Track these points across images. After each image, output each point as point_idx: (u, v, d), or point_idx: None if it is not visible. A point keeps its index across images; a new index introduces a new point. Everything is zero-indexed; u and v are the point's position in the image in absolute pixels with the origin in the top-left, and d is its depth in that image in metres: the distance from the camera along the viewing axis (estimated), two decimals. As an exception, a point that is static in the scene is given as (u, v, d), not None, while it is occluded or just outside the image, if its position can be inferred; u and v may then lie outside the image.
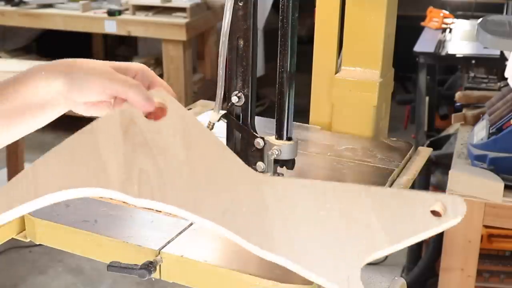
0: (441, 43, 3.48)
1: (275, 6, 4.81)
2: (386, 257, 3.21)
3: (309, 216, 0.73)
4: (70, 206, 1.16)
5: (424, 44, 3.48)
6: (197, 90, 4.77)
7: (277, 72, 1.12)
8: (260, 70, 4.05)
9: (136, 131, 0.75)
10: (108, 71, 0.86)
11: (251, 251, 0.73)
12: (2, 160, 3.50)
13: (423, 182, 2.83)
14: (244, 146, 1.17)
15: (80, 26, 4.59)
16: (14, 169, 3.42)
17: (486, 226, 2.03)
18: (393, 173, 1.34)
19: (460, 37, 3.59)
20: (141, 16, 4.43)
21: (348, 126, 1.56)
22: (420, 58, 3.34)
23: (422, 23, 3.87)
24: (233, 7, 1.09)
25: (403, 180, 1.35)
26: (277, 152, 1.13)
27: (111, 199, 1.12)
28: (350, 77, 1.55)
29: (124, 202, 1.17)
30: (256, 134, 1.16)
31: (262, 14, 4.66)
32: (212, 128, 1.17)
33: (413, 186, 2.72)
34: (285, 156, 1.14)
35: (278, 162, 1.16)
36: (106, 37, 5.38)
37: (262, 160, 1.15)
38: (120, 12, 4.50)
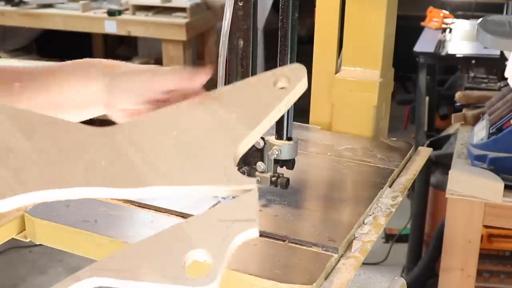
0: (441, 43, 3.48)
1: (275, 6, 4.81)
2: (386, 257, 3.22)
3: (165, 143, 0.73)
4: (70, 206, 1.16)
5: (424, 44, 3.48)
6: (197, 90, 4.76)
7: (277, 72, 1.12)
8: (260, 70, 4.04)
9: None
10: (149, 70, 0.83)
11: (131, 198, 0.73)
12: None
13: (423, 182, 2.83)
14: (244, 146, 1.17)
15: (80, 26, 4.59)
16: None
17: (486, 226, 2.03)
18: (393, 173, 1.34)
19: (460, 37, 3.59)
20: (141, 16, 4.43)
21: (348, 126, 1.56)
22: (420, 58, 3.34)
23: (422, 23, 3.87)
24: (233, 7, 1.09)
25: (403, 180, 1.35)
26: (277, 152, 1.14)
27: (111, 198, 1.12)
28: (350, 77, 1.55)
29: (124, 202, 1.17)
30: (256, 134, 1.16)
31: (262, 14, 4.65)
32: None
33: (413, 186, 2.73)
34: (285, 156, 1.14)
35: (278, 162, 1.16)
36: (106, 37, 5.38)
37: (262, 160, 1.15)
38: (120, 12, 4.50)
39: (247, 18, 1.11)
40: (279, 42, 1.10)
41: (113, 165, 0.71)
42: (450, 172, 1.92)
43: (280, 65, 1.11)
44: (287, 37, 1.10)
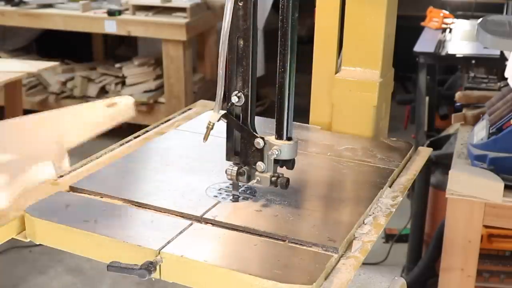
0: (441, 43, 3.48)
1: (275, 6, 4.81)
2: (386, 257, 3.22)
3: None
4: (70, 206, 1.16)
5: (424, 44, 3.48)
6: (197, 90, 4.77)
7: (277, 72, 1.12)
8: (260, 70, 4.04)
9: None
10: None
11: None
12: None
13: (423, 182, 2.83)
14: (244, 146, 1.17)
15: (80, 26, 4.59)
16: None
17: (486, 226, 2.03)
18: (393, 173, 1.34)
19: (460, 37, 3.59)
20: (141, 16, 4.43)
21: (348, 126, 1.56)
22: (420, 58, 3.34)
23: (422, 23, 3.87)
24: (233, 7, 1.09)
25: (403, 180, 1.35)
26: (277, 152, 1.14)
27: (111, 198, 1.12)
28: (350, 77, 1.55)
29: (124, 202, 1.17)
30: (256, 134, 1.16)
31: (262, 14, 4.66)
32: (212, 128, 1.17)
33: (413, 186, 2.72)
34: (285, 156, 1.14)
35: (278, 162, 1.16)
36: (106, 37, 5.38)
37: (262, 160, 1.15)
38: (120, 12, 4.50)
39: (247, 18, 1.11)
40: (279, 42, 1.10)
41: None
42: (450, 172, 1.92)
43: (280, 65, 1.11)
44: (287, 37, 1.10)
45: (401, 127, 4.45)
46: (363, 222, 1.15)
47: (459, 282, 1.99)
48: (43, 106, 4.89)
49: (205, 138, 1.19)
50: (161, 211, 1.15)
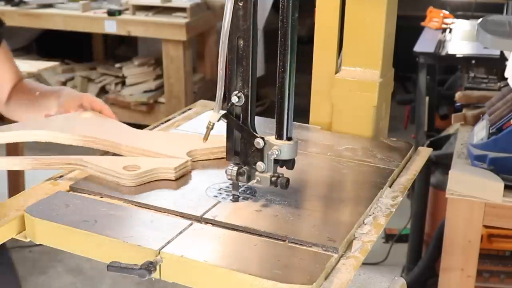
0: (441, 43, 3.48)
1: (275, 6, 4.81)
2: (386, 257, 3.22)
3: None
4: (70, 206, 1.16)
5: (424, 44, 3.48)
6: (197, 90, 4.77)
7: (277, 72, 1.12)
8: (260, 70, 4.04)
9: None
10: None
11: None
12: (2, 160, 3.50)
13: (423, 182, 2.83)
14: (244, 146, 1.17)
15: (80, 26, 4.59)
16: (14, 172, 3.42)
17: (486, 226, 2.04)
18: (393, 173, 1.34)
19: (460, 37, 3.59)
20: (141, 16, 4.43)
21: (348, 126, 1.56)
22: (420, 58, 3.34)
23: (422, 23, 3.88)
24: (233, 7, 1.09)
25: (403, 180, 1.35)
26: (277, 152, 1.13)
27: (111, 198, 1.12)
28: (350, 77, 1.55)
29: (124, 202, 1.17)
30: (256, 134, 1.16)
31: (262, 14, 4.66)
32: (212, 128, 1.17)
33: (413, 186, 2.72)
34: (285, 156, 1.14)
35: (278, 162, 1.16)
36: (106, 37, 5.38)
37: (262, 160, 1.15)
38: (120, 12, 4.50)
39: (247, 18, 1.11)
40: (279, 42, 1.10)
41: None
42: (450, 172, 1.92)
43: (280, 65, 1.11)
44: (287, 37, 1.10)
45: (401, 127, 4.45)
46: (363, 222, 1.15)
47: (459, 282, 1.99)
48: (43, 106, 4.88)
49: (205, 138, 1.19)
50: (161, 211, 1.15)
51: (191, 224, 1.11)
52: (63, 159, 1.30)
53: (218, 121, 1.16)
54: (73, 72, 4.98)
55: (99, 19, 4.50)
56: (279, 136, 1.14)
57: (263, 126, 1.34)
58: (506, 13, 3.66)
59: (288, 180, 1.16)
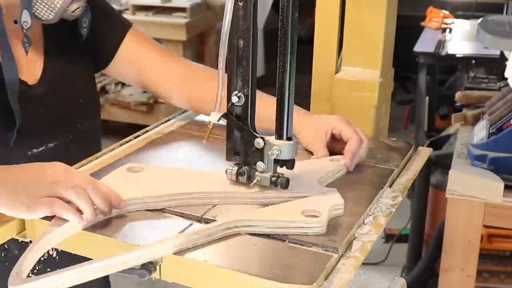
0: (441, 43, 3.49)
1: (275, 6, 4.81)
2: (386, 257, 3.22)
3: None
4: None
5: (424, 44, 3.48)
6: (197, 90, 4.76)
7: (277, 72, 1.12)
8: (260, 70, 4.04)
9: None
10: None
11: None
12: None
13: (423, 182, 2.83)
14: (244, 146, 1.17)
15: (80, 26, 4.59)
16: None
17: (486, 226, 2.04)
18: (393, 173, 1.34)
19: (460, 37, 3.59)
20: (141, 16, 4.43)
21: (348, 126, 1.55)
22: (420, 58, 3.34)
23: (422, 23, 3.88)
24: (233, 7, 1.09)
25: (403, 180, 1.35)
26: (277, 152, 1.13)
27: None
28: (350, 77, 1.55)
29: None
30: (256, 134, 1.16)
31: (262, 14, 4.66)
32: (212, 128, 1.17)
33: (413, 186, 2.72)
34: (285, 156, 1.14)
35: (278, 162, 1.16)
36: (106, 37, 5.38)
37: (262, 160, 1.15)
38: (120, 12, 4.49)
39: (247, 18, 1.11)
40: (279, 42, 1.10)
41: None
42: (450, 172, 1.92)
43: (280, 65, 1.11)
44: (287, 37, 1.10)
45: (401, 127, 4.45)
46: (363, 222, 1.15)
47: (459, 282, 1.99)
48: (43, 106, 4.89)
49: (205, 138, 1.19)
50: (161, 211, 1.15)
51: (191, 224, 1.10)
52: (218, 226, 1.07)
53: (218, 121, 1.16)
54: (73, 72, 4.98)
55: (99, 19, 4.49)
56: (279, 136, 1.14)
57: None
58: (506, 13, 3.66)
59: (288, 180, 1.16)
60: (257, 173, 1.16)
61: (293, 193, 1.17)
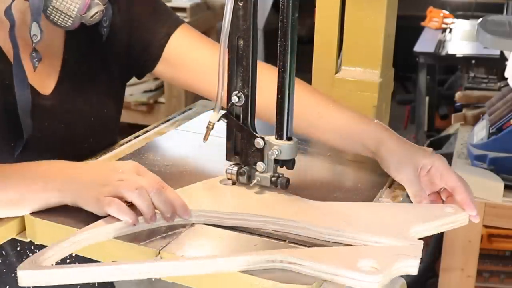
0: (441, 43, 3.49)
1: (275, 6, 4.81)
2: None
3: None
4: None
5: (424, 44, 3.48)
6: (197, 90, 4.77)
7: (277, 72, 1.12)
8: (260, 70, 4.03)
9: None
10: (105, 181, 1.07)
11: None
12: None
13: (423, 182, 2.82)
14: (244, 146, 1.17)
15: (80, 26, 4.59)
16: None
17: (486, 226, 2.03)
18: (393, 173, 1.34)
19: (460, 37, 3.59)
20: (141, 16, 4.43)
21: (348, 126, 1.55)
22: (420, 58, 3.35)
23: (422, 23, 3.88)
24: (233, 7, 1.09)
25: (403, 180, 1.35)
26: (277, 152, 1.13)
27: (111, 199, 1.10)
28: (350, 77, 1.55)
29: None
30: (256, 134, 1.16)
31: (262, 14, 4.66)
32: (212, 128, 1.17)
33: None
34: (285, 156, 1.14)
35: (278, 162, 1.16)
36: (106, 37, 5.38)
37: (262, 160, 1.15)
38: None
39: (247, 18, 1.11)
40: (279, 42, 1.10)
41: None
42: (450, 172, 1.92)
43: (280, 65, 1.11)
44: (287, 37, 1.10)
45: (401, 127, 4.45)
46: (363, 222, 1.15)
47: (459, 282, 1.99)
48: (43, 106, 4.89)
49: (205, 138, 1.19)
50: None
51: (192, 225, 1.10)
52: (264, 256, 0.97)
53: (218, 121, 1.16)
54: (73, 72, 4.98)
55: (99, 19, 4.49)
56: (279, 136, 1.14)
57: (263, 126, 1.33)
58: (506, 13, 3.66)
59: (288, 180, 1.16)
60: (257, 173, 1.16)
61: (373, 236, 1.00)
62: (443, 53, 3.34)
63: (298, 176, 1.27)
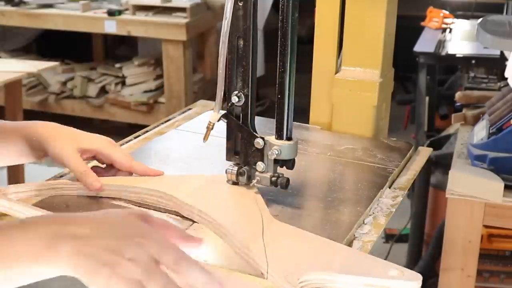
0: (441, 43, 3.48)
1: (275, 6, 4.81)
2: (386, 257, 3.22)
3: None
4: (70, 206, 1.16)
5: (424, 44, 3.48)
6: (197, 90, 4.77)
7: (277, 72, 1.12)
8: (260, 70, 4.05)
9: None
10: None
11: None
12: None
13: (423, 182, 2.83)
14: (244, 146, 1.17)
15: (80, 26, 4.59)
16: (14, 169, 3.42)
17: (486, 226, 2.03)
18: (393, 173, 1.34)
19: (460, 37, 3.59)
20: (141, 16, 4.43)
21: (348, 126, 1.56)
22: (420, 58, 3.34)
23: (422, 23, 3.88)
24: (233, 7, 1.09)
25: (403, 180, 1.35)
26: (277, 152, 1.14)
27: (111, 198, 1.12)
28: (350, 77, 1.55)
29: (125, 203, 1.17)
30: (256, 134, 1.16)
31: (262, 14, 4.66)
32: (212, 128, 1.17)
33: (413, 186, 2.71)
34: (285, 156, 1.14)
35: (278, 162, 1.16)
36: (106, 37, 5.38)
37: (262, 160, 1.15)
38: (120, 12, 4.50)
39: (247, 18, 1.11)
40: (279, 42, 1.10)
41: None
42: (450, 172, 1.92)
43: (280, 65, 1.11)
44: (287, 37, 1.10)
45: (401, 127, 4.45)
46: (363, 222, 1.15)
47: (459, 282, 1.99)
48: (43, 106, 4.89)
49: (205, 138, 1.19)
50: (161, 211, 1.15)
51: (191, 224, 1.11)
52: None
53: (218, 121, 1.16)
54: (73, 72, 4.98)
55: (99, 19, 4.50)
56: (279, 136, 1.14)
57: (263, 126, 1.34)
58: (506, 13, 3.66)
59: (288, 180, 1.16)
60: (257, 173, 1.16)
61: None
62: (443, 53, 3.33)
63: (298, 176, 1.27)
